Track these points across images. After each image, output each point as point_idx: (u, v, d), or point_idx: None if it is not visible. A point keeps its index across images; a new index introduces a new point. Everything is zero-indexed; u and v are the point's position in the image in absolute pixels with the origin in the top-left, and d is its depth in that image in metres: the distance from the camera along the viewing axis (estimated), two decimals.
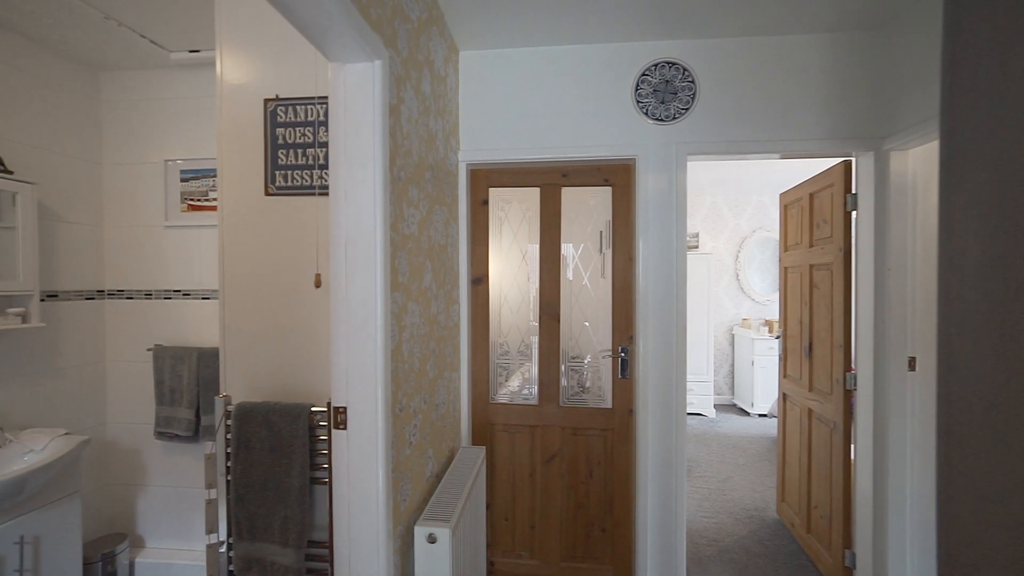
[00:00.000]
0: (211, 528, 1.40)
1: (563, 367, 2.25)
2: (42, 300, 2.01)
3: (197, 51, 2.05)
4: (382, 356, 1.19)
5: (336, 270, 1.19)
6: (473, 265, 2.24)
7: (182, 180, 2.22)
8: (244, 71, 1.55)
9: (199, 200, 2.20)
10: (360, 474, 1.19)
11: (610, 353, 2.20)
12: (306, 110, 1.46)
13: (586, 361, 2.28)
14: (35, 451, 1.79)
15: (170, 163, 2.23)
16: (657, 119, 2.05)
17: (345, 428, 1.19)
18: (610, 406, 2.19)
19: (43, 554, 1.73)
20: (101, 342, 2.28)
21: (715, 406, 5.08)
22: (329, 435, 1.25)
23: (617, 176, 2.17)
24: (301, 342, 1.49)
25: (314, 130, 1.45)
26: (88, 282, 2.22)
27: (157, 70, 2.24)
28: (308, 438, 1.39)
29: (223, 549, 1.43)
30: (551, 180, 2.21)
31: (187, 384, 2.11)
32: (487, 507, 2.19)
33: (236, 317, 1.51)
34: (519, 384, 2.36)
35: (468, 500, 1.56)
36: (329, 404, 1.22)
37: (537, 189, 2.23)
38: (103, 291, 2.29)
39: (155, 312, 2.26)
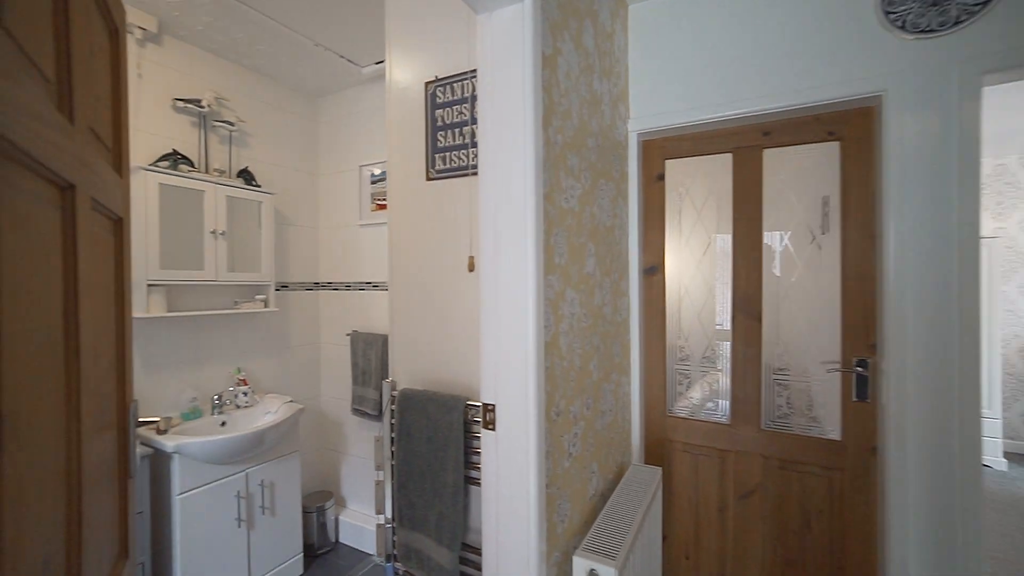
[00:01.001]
0: (379, 508, 1.44)
1: (765, 380, 1.76)
2: (277, 290, 2.45)
3: (381, 62, 2.23)
4: (534, 348, 1.02)
5: (484, 248, 1.06)
6: (646, 251, 1.93)
7: (372, 182, 2.47)
8: (409, 63, 1.57)
9: (382, 199, 2.41)
10: (510, 484, 1.04)
11: (838, 366, 1.63)
12: (461, 86, 1.39)
13: (799, 375, 1.74)
14: (271, 412, 2.17)
15: (364, 168, 2.50)
16: (922, 31, 1.41)
17: (494, 429, 1.05)
18: (838, 438, 1.62)
19: (276, 497, 2.07)
20: (317, 326, 2.70)
21: (1006, 454, 3.58)
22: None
23: (848, 125, 1.59)
24: (457, 330, 1.43)
25: (469, 106, 1.37)
26: (308, 275, 2.64)
27: (354, 88, 2.54)
28: (464, 433, 1.31)
29: (390, 531, 1.46)
30: (747, 141, 1.75)
31: (374, 367, 2.32)
32: (663, 538, 1.85)
33: (401, 304, 1.53)
34: (703, 396, 1.94)
35: (640, 531, 1.28)
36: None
37: (728, 155, 1.79)
38: (318, 283, 2.71)
39: (353, 302, 2.56)
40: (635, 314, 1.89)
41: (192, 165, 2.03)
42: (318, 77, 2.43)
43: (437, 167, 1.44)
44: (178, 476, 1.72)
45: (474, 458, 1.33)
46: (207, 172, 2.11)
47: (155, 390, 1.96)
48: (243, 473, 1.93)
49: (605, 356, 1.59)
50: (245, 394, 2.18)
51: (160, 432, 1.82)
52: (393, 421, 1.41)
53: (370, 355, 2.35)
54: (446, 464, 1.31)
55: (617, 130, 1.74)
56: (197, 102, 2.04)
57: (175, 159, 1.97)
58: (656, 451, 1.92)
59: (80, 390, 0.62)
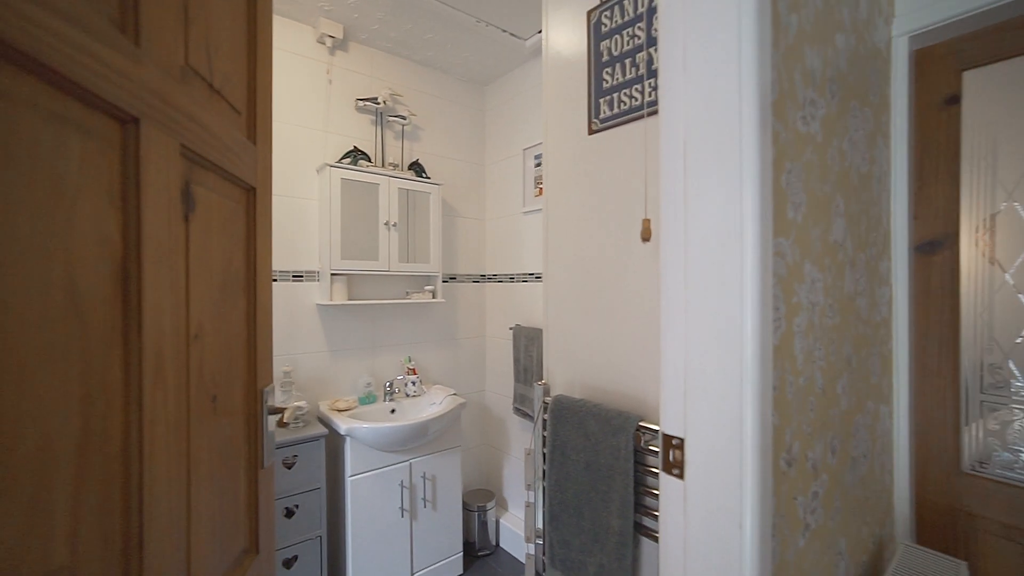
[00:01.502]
0: (529, 536, 1.20)
1: None
2: (444, 281, 2.45)
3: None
4: (754, 354, 0.62)
5: (668, 200, 0.71)
6: (920, 217, 1.26)
7: (535, 165, 2.27)
8: (565, 8, 1.29)
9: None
10: (707, 566, 0.66)
11: None
12: (634, 3, 1.05)
13: None
14: (436, 404, 2.15)
15: (527, 151, 2.33)
16: None
17: (681, 476, 0.69)
18: None
19: (438, 491, 2.04)
20: (482, 319, 2.64)
21: None
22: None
23: None
24: (626, 324, 1.08)
25: (645, 24, 1.02)
26: (474, 267, 2.60)
27: (518, 68, 2.39)
28: (633, 463, 0.97)
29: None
30: None
31: (536, 365, 2.11)
32: None
33: (556, 292, 1.26)
34: None
35: None
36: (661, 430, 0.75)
37: None
38: (484, 275, 2.65)
39: (516, 294, 2.41)
40: (902, 312, 1.25)
41: (369, 160, 2.14)
42: (483, 60, 2.35)
43: (602, 114, 1.12)
44: (350, 458, 1.78)
45: (649, 500, 0.97)
46: (383, 166, 2.20)
47: (339, 373, 2.11)
48: (407, 463, 1.93)
49: (858, 374, 1.04)
50: (414, 383, 2.22)
51: (339, 411, 1.93)
52: (546, 433, 1.14)
53: (532, 352, 2.15)
54: (609, 502, 0.99)
55: (875, 32, 1.15)
56: (374, 100, 2.13)
57: (355, 155, 2.09)
58: (939, 526, 1.23)
59: (143, 369, 0.51)
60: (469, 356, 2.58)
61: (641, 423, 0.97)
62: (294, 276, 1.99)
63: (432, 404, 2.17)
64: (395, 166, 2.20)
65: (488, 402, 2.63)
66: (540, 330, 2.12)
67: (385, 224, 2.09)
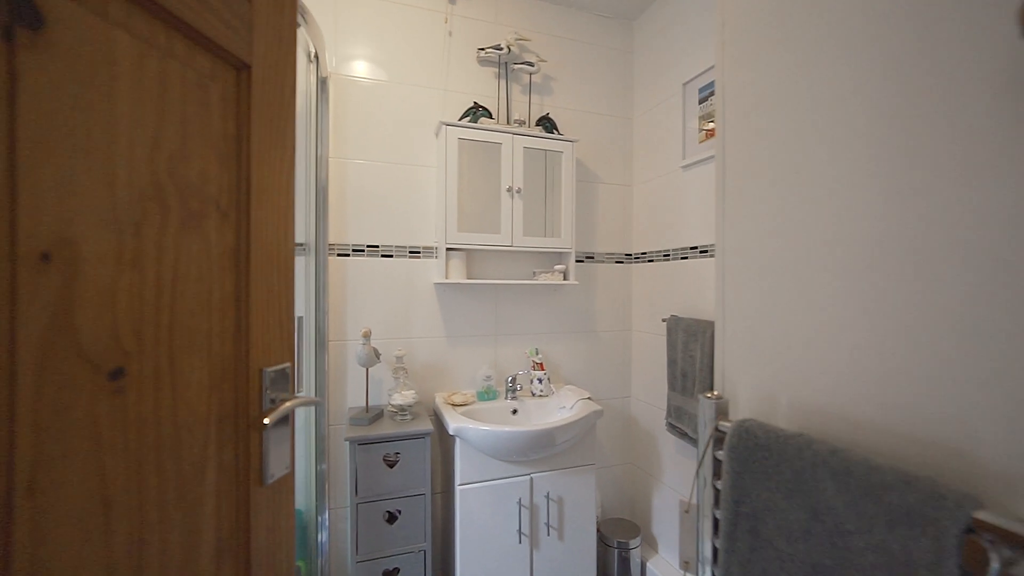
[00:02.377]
0: None
1: None
2: (579, 261, 2.03)
3: None
4: None
5: None
6: None
7: (700, 101, 1.70)
8: None
9: (713, 121, 1.60)
10: None
11: None
12: None
13: None
14: (565, 408, 1.75)
15: (688, 85, 1.76)
16: None
17: None
18: None
19: (565, 517, 1.64)
20: (627, 307, 2.14)
21: None
22: None
23: None
24: (912, 308, 0.52)
25: None
26: (617, 244, 2.12)
27: None
28: None
29: None
30: None
31: (699, 369, 1.55)
32: None
33: (742, 273, 0.73)
34: None
35: None
36: None
37: None
38: (629, 254, 2.15)
39: (673, 276, 1.86)
40: None
41: (491, 117, 1.84)
42: None
43: None
44: (459, 463, 1.50)
45: None
46: (507, 123, 1.89)
47: (457, 362, 1.86)
48: (527, 477, 1.57)
49: None
50: (540, 381, 1.85)
51: (454, 406, 1.67)
52: (719, 483, 0.64)
53: (693, 351, 1.59)
54: None
55: None
56: (497, 47, 1.83)
57: (475, 112, 1.81)
58: None
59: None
60: (609, 353, 2.11)
61: (978, 516, 0.41)
62: (411, 252, 1.80)
63: (561, 408, 1.77)
64: (521, 123, 1.86)
65: (634, 412, 2.12)
66: (706, 323, 1.55)
67: (508, 190, 1.76)
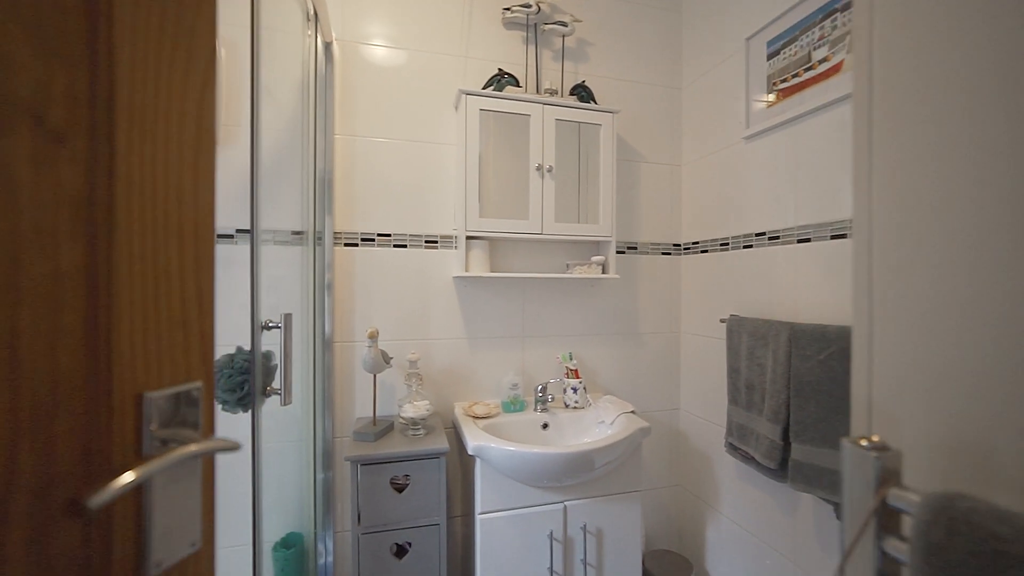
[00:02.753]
0: None
1: None
2: (620, 252, 1.77)
3: None
4: None
5: None
6: None
7: (768, 57, 1.40)
8: None
9: (796, 74, 1.30)
10: None
11: None
12: None
13: None
14: (604, 423, 1.50)
15: (752, 40, 1.47)
16: None
17: None
18: None
19: (605, 552, 1.38)
20: (676, 305, 1.86)
21: None
22: None
23: None
24: None
25: None
26: (665, 232, 1.84)
27: None
28: None
29: None
30: None
31: (771, 381, 1.26)
32: None
33: (907, 258, 0.46)
34: None
35: None
36: None
37: None
38: (679, 244, 1.86)
39: (734, 268, 1.57)
40: None
41: (518, 85, 1.60)
42: None
43: None
44: (480, 488, 1.27)
45: None
46: (536, 93, 1.65)
47: (479, 367, 1.63)
48: (560, 506, 1.32)
49: None
50: (575, 390, 1.60)
51: (476, 418, 1.45)
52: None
53: (763, 358, 1.31)
54: None
55: None
56: (526, 5, 1.59)
57: (500, 80, 1.58)
58: None
59: None
60: (654, 358, 1.83)
61: None
62: (427, 241, 1.58)
63: (600, 422, 1.51)
64: (552, 92, 1.62)
65: (684, 427, 1.84)
66: (780, 324, 1.27)
67: (537, 169, 1.52)
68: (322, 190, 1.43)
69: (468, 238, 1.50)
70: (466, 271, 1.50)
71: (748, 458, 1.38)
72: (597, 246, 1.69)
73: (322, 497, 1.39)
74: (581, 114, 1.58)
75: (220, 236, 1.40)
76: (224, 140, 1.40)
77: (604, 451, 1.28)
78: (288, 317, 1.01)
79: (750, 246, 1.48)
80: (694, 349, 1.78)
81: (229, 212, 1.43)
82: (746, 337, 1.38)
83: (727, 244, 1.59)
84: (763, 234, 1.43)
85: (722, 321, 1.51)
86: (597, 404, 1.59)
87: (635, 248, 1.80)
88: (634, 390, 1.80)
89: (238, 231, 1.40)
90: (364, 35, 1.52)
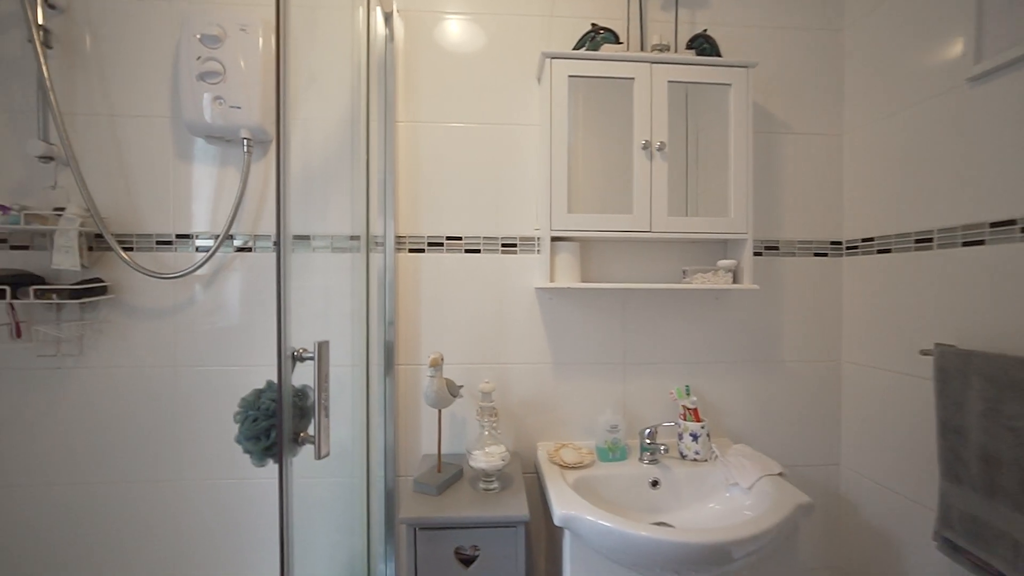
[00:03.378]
0: None
1: None
2: (757, 254, 1.34)
3: None
4: None
5: None
6: None
7: None
8: None
9: None
10: None
11: None
12: None
13: None
14: (739, 486, 1.10)
15: None
16: None
17: None
18: None
19: None
20: (836, 324, 1.37)
21: None
22: None
23: None
24: None
25: None
26: (821, 227, 1.37)
27: None
28: None
29: None
30: None
31: (1019, 448, 0.78)
32: None
33: None
34: None
35: None
36: None
37: None
38: (838, 241, 1.38)
39: (945, 275, 1.07)
40: None
41: (618, 41, 1.26)
42: None
43: None
44: (569, 569, 0.95)
45: None
46: (641, 50, 1.29)
47: (567, 400, 1.32)
48: None
49: None
50: (695, 437, 1.21)
51: (565, 467, 1.13)
52: None
53: (1018, 419, 0.82)
54: None
55: None
56: None
57: (593, 38, 1.25)
58: None
59: None
60: (803, 395, 1.37)
61: None
62: (504, 245, 1.30)
63: (732, 485, 1.12)
64: (663, 48, 1.24)
65: (848, 491, 1.35)
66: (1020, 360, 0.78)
67: (644, 147, 1.16)
68: (381, 187, 1.22)
69: (554, 239, 1.19)
70: (551, 281, 1.19)
71: (981, 566, 0.89)
72: (725, 247, 1.29)
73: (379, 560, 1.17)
74: (703, 72, 1.19)
75: (258, 240, 1.24)
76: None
77: (748, 542, 0.89)
78: (323, 346, 0.78)
79: (981, 241, 0.98)
80: (865, 385, 1.28)
81: (272, 215, 1.28)
82: (979, 382, 0.90)
83: (929, 240, 1.09)
84: (1012, 223, 0.92)
85: (924, 353, 1.03)
86: (726, 457, 1.19)
87: (775, 248, 1.36)
88: (774, 438, 1.36)
89: (296, 237, 1.24)
90: (429, 1, 1.28)
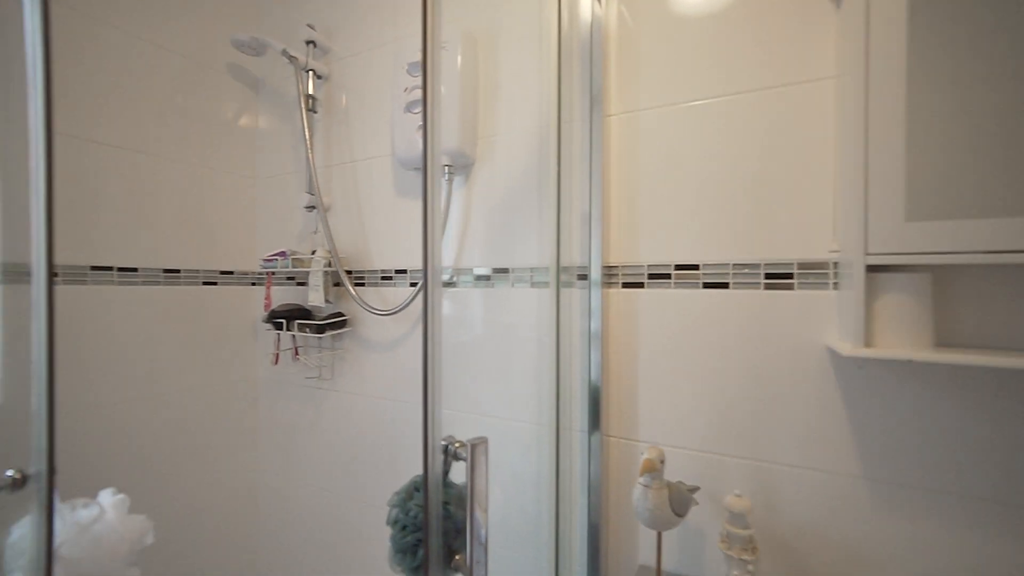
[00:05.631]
0: None
1: None
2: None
3: None
4: None
5: None
6: None
7: None
8: None
9: None
10: None
11: None
12: None
13: None
14: None
15: None
16: None
17: None
18: None
19: None
20: None
21: None
22: None
23: None
24: None
25: None
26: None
27: None
28: None
29: None
30: None
31: None
32: None
33: None
34: None
35: None
36: None
37: None
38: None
39: None
40: None
41: None
42: None
43: None
44: None
45: None
46: None
47: (895, 549, 0.75)
48: None
49: None
50: None
51: None
52: None
53: None
54: None
55: None
56: None
57: None
58: None
59: None
60: None
61: None
62: (768, 276, 0.84)
63: None
64: None
65: None
66: None
67: None
68: (584, 200, 0.94)
69: (871, 269, 0.67)
70: (865, 346, 0.68)
71: None
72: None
73: None
74: None
75: (461, 274, 1.12)
76: (479, 156, 1.12)
77: None
78: (478, 448, 0.55)
79: None
80: None
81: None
82: None
83: None
84: None
85: None
86: None
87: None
88: None
89: (495, 271, 1.10)
90: None
